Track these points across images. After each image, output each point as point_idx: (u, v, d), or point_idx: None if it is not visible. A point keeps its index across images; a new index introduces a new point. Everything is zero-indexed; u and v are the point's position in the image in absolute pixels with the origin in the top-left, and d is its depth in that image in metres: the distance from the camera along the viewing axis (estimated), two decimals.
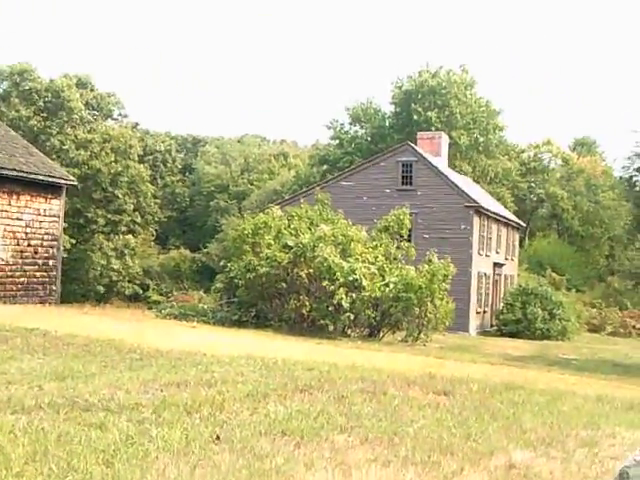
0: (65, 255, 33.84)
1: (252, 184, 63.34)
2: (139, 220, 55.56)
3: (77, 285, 48.24)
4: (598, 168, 61.35)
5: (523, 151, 62.23)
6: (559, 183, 58.98)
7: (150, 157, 61.67)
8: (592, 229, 57.35)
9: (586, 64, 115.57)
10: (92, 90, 57.81)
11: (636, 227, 57.35)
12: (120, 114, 61.22)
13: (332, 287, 22.50)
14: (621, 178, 60.05)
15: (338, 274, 22.64)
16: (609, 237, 58.49)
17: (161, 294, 48.58)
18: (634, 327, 41.02)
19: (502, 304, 37.74)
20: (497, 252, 40.20)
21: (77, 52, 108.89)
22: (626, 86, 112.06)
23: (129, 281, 51.72)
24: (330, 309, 22.59)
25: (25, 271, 20.75)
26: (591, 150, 68.36)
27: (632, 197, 56.76)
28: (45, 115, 52.08)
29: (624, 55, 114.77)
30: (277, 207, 28.40)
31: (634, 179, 58.58)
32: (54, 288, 21.88)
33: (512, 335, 33.72)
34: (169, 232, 62.79)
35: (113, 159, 52.75)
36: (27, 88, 51.93)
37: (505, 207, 47.39)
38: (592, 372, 18.92)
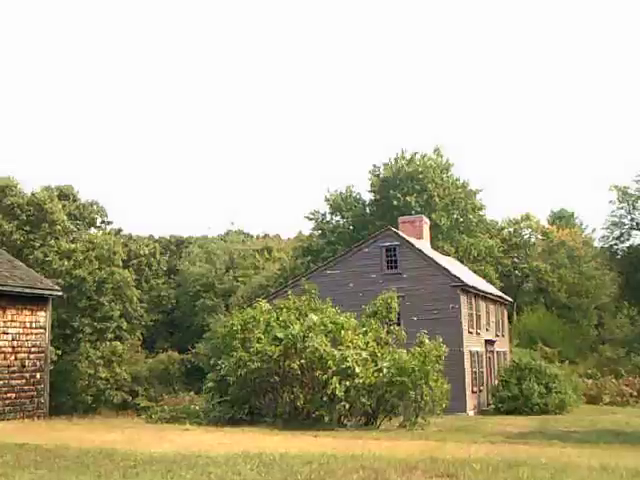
0: (52, 367, 33.24)
1: (237, 280, 63.33)
2: (125, 326, 55.06)
3: (65, 397, 47.24)
4: (579, 239, 62.33)
5: (503, 228, 63.21)
6: (541, 257, 59.66)
7: (135, 261, 61.78)
8: (579, 300, 57.61)
9: (556, 136, 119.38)
10: (74, 200, 58.54)
11: (622, 295, 57.77)
12: (103, 221, 61.80)
13: (325, 376, 22.28)
14: (602, 247, 60.95)
15: (330, 363, 22.47)
16: (596, 307, 58.72)
17: (150, 399, 47.62)
18: (631, 395, 40.60)
19: (497, 381, 37.38)
20: (487, 329, 40.16)
21: (57, 161, 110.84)
22: (599, 158, 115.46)
23: (117, 389, 50.76)
24: (324, 399, 22.29)
25: (12, 386, 20.39)
26: (569, 222, 69.61)
27: (615, 265, 57.46)
28: (28, 228, 52.45)
29: (594, 125, 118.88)
30: (264, 301, 28.39)
31: (615, 248, 59.58)
32: (42, 401, 21.45)
33: (510, 412, 33.22)
34: (156, 335, 62.10)
35: (97, 266, 52.81)
36: (9, 203, 52.52)
37: (491, 284, 47.70)
38: (594, 443, 18.67)
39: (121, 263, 55.88)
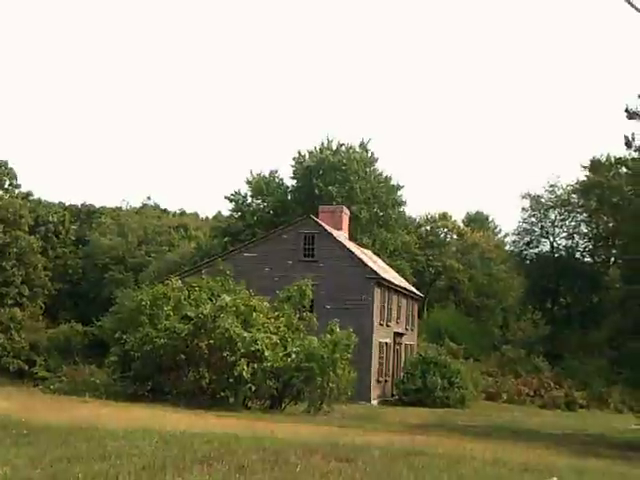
0: None
1: (150, 256, 61.84)
2: (27, 293, 53.04)
3: None
4: (491, 242, 64.32)
5: (420, 225, 64.50)
6: (455, 256, 61.26)
7: (42, 228, 59.45)
8: (487, 300, 59.55)
9: (478, 142, 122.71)
10: None
11: (527, 298, 60.10)
12: (11, 184, 59.13)
13: (233, 358, 22.16)
14: (512, 252, 63.17)
15: (239, 344, 22.36)
16: (502, 308, 60.86)
17: (49, 370, 46.05)
18: (528, 394, 42.36)
19: (402, 373, 38.16)
20: (397, 322, 40.90)
21: None
22: (516, 166, 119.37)
23: (14, 356, 48.89)
24: (230, 380, 22.18)
25: None
26: (484, 225, 71.72)
27: (523, 270, 59.66)
28: None
29: (513, 134, 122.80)
30: (177, 278, 27.90)
31: (524, 253, 61.86)
32: None
33: (413, 404, 33.99)
34: (59, 305, 59.94)
35: (1, 230, 50.62)
36: None
37: (405, 279, 48.59)
38: (489, 437, 19.33)
39: (27, 228, 53.75)
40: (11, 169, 58.46)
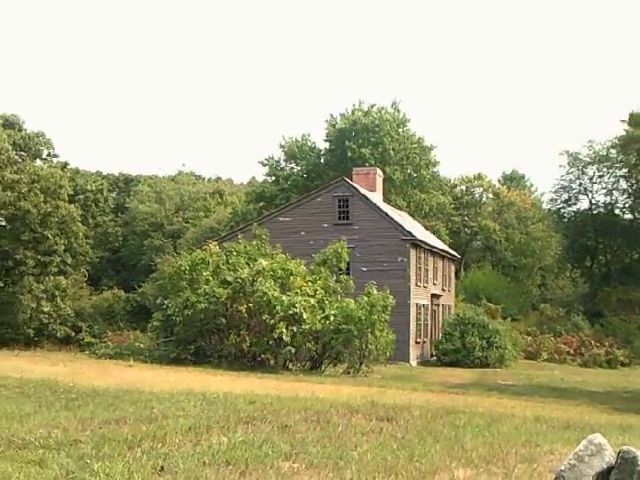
0: None
1: (187, 222, 62.55)
2: (70, 261, 54.11)
3: (6, 329, 46.54)
4: (527, 201, 63.37)
5: (455, 186, 63.77)
6: (491, 216, 60.56)
7: (81, 197, 60.24)
8: (524, 260, 58.92)
9: (513, 101, 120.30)
10: (20, 130, 56.49)
11: (565, 257, 59.35)
12: (49, 154, 59.89)
13: (272, 321, 22.47)
14: (550, 210, 62.22)
15: (278, 308, 22.64)
16: (540, 267, 60.19)
17: (94, 336, 47.24)
18: (568, 353, 42.08)
19: (441, 334, 38.21)
20: (434, 283, 40.83)
21: (4, 90, 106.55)
22: (552, 122, 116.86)
23: (60, 323, 50.15)
24: (270, 343, 22.53)
25: None
26: (520, 184, 70.61)
27: (561, 228, 58.83)
28: None
29: (550, 90, 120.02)
30: (214, 243, 28.25)
31: (562, 211, 60.91)
32: None
33: (451, 364, 34.08)
34: (102, 272, 61.24)
35: (42, 199, 51.43)
36: None
37: (440, 240, 48.30)
38: (530, 396, 19.34)
39: (67, 197, 54.58)
40: (49, 139, 59.18)
